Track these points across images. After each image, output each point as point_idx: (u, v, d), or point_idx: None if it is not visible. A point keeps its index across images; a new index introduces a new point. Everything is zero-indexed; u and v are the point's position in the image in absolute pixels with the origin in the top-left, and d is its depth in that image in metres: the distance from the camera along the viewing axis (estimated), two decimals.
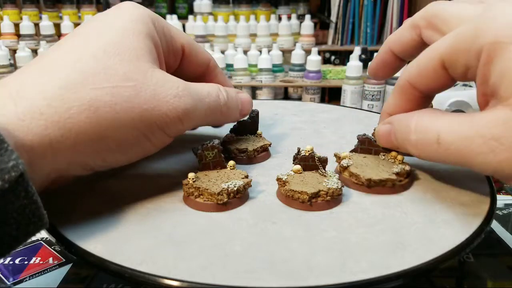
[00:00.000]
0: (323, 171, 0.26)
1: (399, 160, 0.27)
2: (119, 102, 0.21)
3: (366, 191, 0.25)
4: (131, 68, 0.22)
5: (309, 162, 0.26)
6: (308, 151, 0.26)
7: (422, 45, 0.27)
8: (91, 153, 0.22)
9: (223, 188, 0.24)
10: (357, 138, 0.29)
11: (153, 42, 0.24)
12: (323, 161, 0.26)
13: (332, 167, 0.28)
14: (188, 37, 0.29)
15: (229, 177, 0.25)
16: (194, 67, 0.30)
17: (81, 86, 0.20)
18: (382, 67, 0.30)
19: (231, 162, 0.27)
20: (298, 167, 0.26)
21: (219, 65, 0.32)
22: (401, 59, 0.29)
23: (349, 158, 0.27)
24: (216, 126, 0.33)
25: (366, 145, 0.28)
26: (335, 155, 0.28)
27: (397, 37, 0.28)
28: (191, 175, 0.25)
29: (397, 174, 0.26)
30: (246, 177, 0.26)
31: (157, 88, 0.22)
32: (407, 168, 0.26)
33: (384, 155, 0.28)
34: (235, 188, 0.24)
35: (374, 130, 0.28)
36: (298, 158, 0.26)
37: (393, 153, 0.27)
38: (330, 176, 0.26)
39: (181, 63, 0.29)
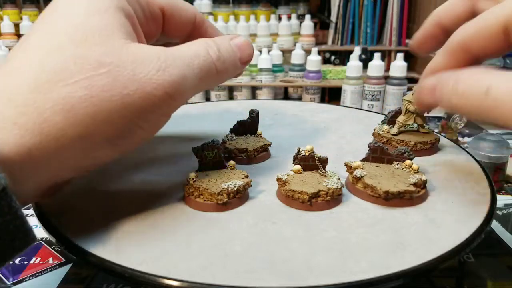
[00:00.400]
0: (323, 171, 0.26)
1: (415, 170, 0.26)
2: (95, 94, 0.19)
3: (383, 204, 0.24)
4: (102, 51, 0.20)
5: (309, 162, 0.26)
6: (308, 151, 0.26)
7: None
8: (78, 154, 0.20)
9: (223, 188, 0.24)
10: (369, 147, 0.28)
11: (124, 14, 0.22)
12: (323, 161, 0.26)
13: (335, 170, 0.28)
14: None
15: (229, 177, 0.25)
16: (179, 28, 0.28)
17: (52, 85, 0.19)
18: (430, 41, 0.28)
19: (231, 162, 0.27)
20: (298, 167, 0.26)
21: None
22: (448, 33, 0.27)
23: (362, 168, 0.26)
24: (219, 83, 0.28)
25: (378, 154, 0.27)
26: (346, 165, 0.27)
27: (449, 9, 0.27)
28: (191, 175, 0.25)
29: (414, 184, 0.25)
30: (246, 177, 0.26)
31: (136, 67, 0.20)
32: (424, 178, 0.25)
33: (397, 164, 0.27)
34: (235, 188, 0.24)
35: (413, 92, 0.27)
36: (298, 158, 0.26)
37: (408, 162, 0.26)
38: (330, 176, 0.26)
39: (164, 28, 0.27)
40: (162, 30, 0.27)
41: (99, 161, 0.22)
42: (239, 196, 0.24)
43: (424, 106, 0.24)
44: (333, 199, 0.24)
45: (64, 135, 0.19)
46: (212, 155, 0.26)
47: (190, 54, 0.23)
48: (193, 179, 0.24)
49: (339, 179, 0.25)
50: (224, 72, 0.24)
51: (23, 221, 0.16)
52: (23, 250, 0.17)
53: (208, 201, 0.24)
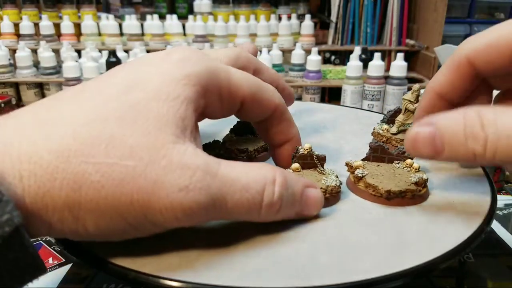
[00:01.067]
0: (322, 169, 0.26)
1: (415, 169, 0.26)
2: (107, 186, 0.17)
3: (384, 204, 0.24)
4: (143, 141, 0.18)
5: (308, 160, 0.26)
6: (306, 149, 0.26)
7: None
8: (68, 226, 0.18)
9: None
10: (369, 146, 0.28)
11: (193, 107, 0.20)
12: (321, 159, 0.26)
13: (336, 171, 0.28)
14: (254, 87, 0.24)
15: None
16: (254, 115, 0.25)
17: (72, 157, 0.17)
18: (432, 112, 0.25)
19: None
20: (296, 165, 0.26)
21: None
22: (448, 101, 0.26)
23: (363, 168, 0.26)
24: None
25: (379, 153, 0.27)
26: (347, 164, 0.27)
27: (441, 79, 0.25)
28: None
29: (415, 183, 0.25)
30: None
31: (163, 175, 0.18)
32: (425, 176, 0.25)
33: (398, 163, 0.27)
34: None
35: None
36: (297, 157, 0.26)
37: (409, 161, 0.26)
38: (329, 174, 0.26)
39: (240, 110, 0.24)
40: (237, 113, 0.25)
41: (82, 238, 0.19)
42: None
43: (422, 158, 0.21)
44: (332, 196, 0.24)
45: (60, 210, 0.17)
46: (213, 155, 0.26)
47: (239, 183, 0.19)
48: None
49: (337, 177, 0.25)
50: (267, 217, 0.21)
51: (35, 257, 0.16)
52: (32, 281, 0.16)
53: None
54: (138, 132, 0.18)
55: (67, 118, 0.18)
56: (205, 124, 0.38)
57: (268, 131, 0.26)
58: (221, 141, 0.31)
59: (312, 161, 0.26)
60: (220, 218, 0.20)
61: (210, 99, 0.22)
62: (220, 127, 0.37)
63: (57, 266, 0.29)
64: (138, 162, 0.17)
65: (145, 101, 0.19)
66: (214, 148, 0.26)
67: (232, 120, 0.33)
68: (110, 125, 0.18)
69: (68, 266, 0.29)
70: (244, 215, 0.20)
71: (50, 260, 0.29)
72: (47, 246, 0.31)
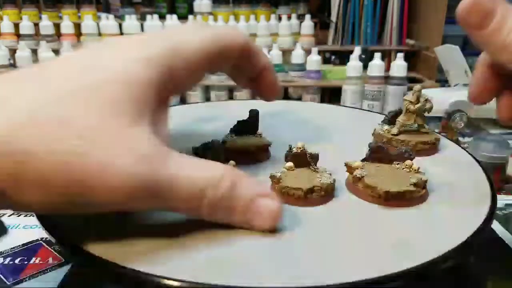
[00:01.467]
0: (315, 167, 0.26)
1: (415, 170, 0.26)
2: (54, 163, 0.17)
3: (383, 204, 0.24)
4: (95, 123, 0.18)
5: (301, 158, 0.26)
6: (300, 148, 0.26)
7: None
8: (12, 199, 0.18)
9: None
10: (369, 147, 0.28)
11: (154, 91, 0.20)
12: (315, 158, 0.26)
13: (336, 174, 0.28)
14: (216, 40, 0.23)
15: None
16: (224, 65, 0.26)
17: (24, 133, 0.17)
18: (486, 87, 0.26)
19: (232, 162, 0.27)
20: (290, 164, 0.26)
21: None
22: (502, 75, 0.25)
23: (362, 168, 0.26)
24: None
25: (379, 154, 0.27)
26: (346, 165, 0.27)
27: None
28: None
29: (414, 184, 0.24)
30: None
31: (109, 158, 0.18)
32: (424, 177, 0.25)
33: (398, 164, 0.27)
34: None
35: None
36: (290, 155, 0.26)
37: (408, 162, 0.26)
38: (322, 171, 0.26)
39: (208, 69, 0.25)
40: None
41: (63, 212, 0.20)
42: None
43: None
44: (327, 194, 0.25)
45: (4, 180, 0.17)
46: (212, 155, 0.26)
47: (183, 179, 0.19)
48: None
49: (330, 174, 0.25)
50: (200, 218, 0.21)
51: None
52: None
53: None
54: (92, 113, 0.18)
55: (24, 95, 0.18)
56: (205, 124, 0.38)
57: (240, 70, 0.27)
58: (221, 141, 0.31)
59: (305, 160, 0.26)
60: (161, 208, 0.20)
61: (178, 76, 0.22)
62: (220, 127, 0.37)
63: (57, 266, 0.29)
64: (87, 143, 0.18)
65: (102, 83, 0.19)
66: (213, 148, 0.26)
67: (232, 120, 0.33)
68: (64, 104, 0.18)
69: (68, 266, 0.29)
70: (184, 209, 0.20)
71: (50, 260, 0.29)
72: (47, 246, 0.31)
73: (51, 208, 0.19)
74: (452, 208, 0.24)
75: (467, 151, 0.32)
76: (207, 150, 0.26)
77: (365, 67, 0.75)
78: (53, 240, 0.21)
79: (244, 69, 0.27)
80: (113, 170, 0.18)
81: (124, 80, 0.19)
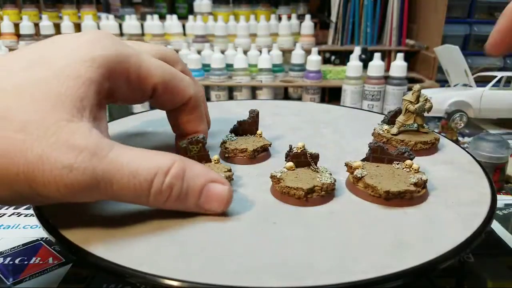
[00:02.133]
0: (315, 167, 0.26)
1: (415, 169, 0.26)
2: (3, 154, 0.18)
3: (383, 204, 0.24)
4: (37, 117, 0.19)
5: (301, 158, 0.26)
6: (300, 148, 0.26)
7: None
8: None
9: None
10: (369, 146, 0.28)
11: (95, 89, 0.21)
12: (315, 157, 0.26)
13: (336, 174, 0.28)
14: (167, 73, 0.25)
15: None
16: (167, 104, 0.27)
17: None
18: (508, 39, 0.26)
19: (215, 156, 0.27)
20: (290, 164, 0.26)
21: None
22: None
23: (362, 168, 0.26)
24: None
25: (379, 154, 0.27)
26: (347, 165, 0.27)
27: None
28: None
29: (414, 184, 0.25)
30: (229, 170, 0.26)
31: (49, 151, 0.18)
32: (424, 177, 0.25)
33: (398, 164, 0.27)
34: None
35: None
36: (290, 155, 0.26)
37: (408, 162, 0.26)
38: (322, 171, 0.26)
39: (153, 97, 0.26)
40: (151, 99, 0.26)
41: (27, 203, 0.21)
42: None
43: None
44: (328, 194, 0.25)
45: None
46: (197, 149, 0.27)
47: (127, 168, 0.20)
48: None
49: (330, 174, 0.25)
50: (150, 206, 0.22)
51: None
52: None
53: None
54: (34, 107, 0.19)
55: None
56: None
57: (178, 120, 0.28)
58: (221, 141, 0.31)
59: (306, 160, 0.26)
60: (107, 198, 0.20)
61: (117, 82, 0.23)
62: (220, 127, 0.37)
63: (57, 266, 0.29)
64: (28, 136, 0.18)
65: (46, 79, 0.20)
66: (197, 143, 0.26)
67: (232, 120, 0.33)
68: (8, 98, 0.19)
69: (68, 266, 0.29)
70: (132, 199, 0.21)
71: (50, 260, 0.29)
72: (47, 246, 0.31)
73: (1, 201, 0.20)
74: (452, 208, 0.24)
75: (467, 151, 0.32)
76: (192, 145, 0.27)
77: (365, 67, 0.74)
78: (53, 240, 0.21)
79: (181, 125, 0.28)
80: (53, 164, 0.18)
81: (66, 77, 0.20)
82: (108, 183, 0.19)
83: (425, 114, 0.33)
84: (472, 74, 0.66)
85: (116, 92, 0.23)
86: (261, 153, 0.31)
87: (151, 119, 0.39)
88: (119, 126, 0.37)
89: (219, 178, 0.23)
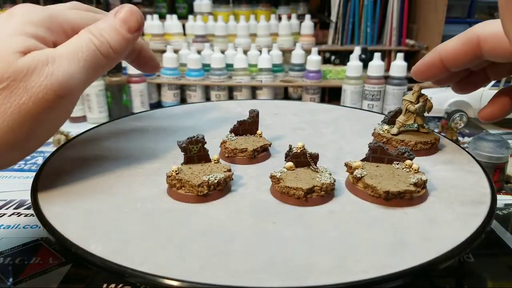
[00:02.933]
0: (315, 167, 0.26)
1: (415, 170, 0.26)
2: None
3: (383, 204, 0.24)
4: (2, 66, 0.22)
5: (301, 158, 0.26)
6: (300, 148, 0.26)
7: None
8: None
9: (204, 180, 0.24)
10: (369, 147, 0.28)
11: (39, 39, 0.24)
12: (315, 157, 0.26)
13: (336, 174, 0.28)
14: (88, 17, 0.27)
15: (212, 170, 0.26)
16: None
17: None
18: (429, 69, 0.29)
19: (215, 156, 0.27)
20: (290, 164, 0.26)
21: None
22: (446, 67, 0.29)
23: (362, 168, 0.26)
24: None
25: (379, 154, 0.27)
26: (346, 165, 0.27)
27: (449, 45, 0.28)
28: (174, 167, 0.25)
29: (414, 184, 0.25)
30: (229, 170, 0.26)
31: (28, 77, 0.22)
32: (424, 177, 0.25)
33: (398, 164, 0.27)
34: (216, 181, 0.25)
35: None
36: (290, 155, 0.26)
37: (408, 162, 0.26)
38: (322, 171, 0.26)
39: None
40: None
41: (12, 163, 0.24)
42: (220, 189, 0.25)
43: None
44: (327, 193, 0.25)
45: None
46: (196, 149, 0.27)
47: (72, 49, 0.24)
48: (176, 171, 0.25)
49: (330, 174, 0.25)
50: (114, 53, 0.26)
51: None
52: None
53: (190, 192, 0.25)
54: None
55: None
56: (205, 124, 0.38)
57: None
58: (221, 141, 0.31)
59: (306, 159, 0.26)
60: (84, 80, 0.24)
61: (58, 36, 0.25)
62: (220, 127, 0.37)
63: (57, 266, 0.29)
64: (8, 81, 0.22)
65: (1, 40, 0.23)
66: (197, 142, 0.27)
67: (232, 120, 0.33)
68: None
69: (68, 266, 0.29)
70: (96, 64, 0.25)
71: (50, 260, 0.29)
72: (47, 246, 0.31)
73: (22, 139, 0.23)
74: (452, 208, 0.24)
75: (467, 151, 0.32)
76: (192, 144, 0.27)
77: (365, 67, 0.74)
78: (53, 240, 0.21)
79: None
80: (38, 84, 0.22)
81: (14, 34, 0.23)
82: (73, 66, 0.24)
83: (426, 114, 0.33)
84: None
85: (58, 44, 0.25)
86: (261, 153, 0.31)
87: (151, 119, 0.39)
88: (119, 126, 0.37)
89: (115, 9, 0.27)
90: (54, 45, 0.25)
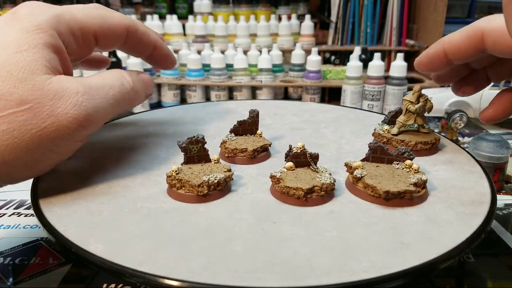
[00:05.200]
0: (315, 167, 0.26)
1: (415, 170, 0.26)
2: (16, 128, 0.21)
3: (383, 204, 0.24)
4: (26, 88, 0.22)
5: (301, 158, 0.26)
6: (300, 148, 0.26)
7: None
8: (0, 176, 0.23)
9: (204, 180, 0.24)
10: (369, 147, 0.28)
11: (52, 49, 0.24)
12: (315, 158, 0.26)
13: (336, 174, 0.28)
14: (98, 17, 0.27)
15: (212, 170, 0.26)
16: (112, 44, 0.29)
17: None
18: (432, 61, 0.29)
19: (215, 156, 0.27)
20: (290, 164, 0.26)
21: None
22: (449, 59, 0.29)
23: (362, 168, 0.26)
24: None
25: (379, 154, 0.27)
26: (346, 165, 0.27)
27: (453, 38, 0.28)
28: (174, 167, 0.25)
29: (414, 184, 0.25)
30: (229, 170, 0.26)
31: (55, 103, 0.22)
32: (424, 177, 0.25)
33: (398, 164, 0.27)
34: (216, 181, 0.25)
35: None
36: (290, 155, 0.26)
37: (408, 162, 0.26)
38: (322, 171, 0.26)
39: (98, 45, 0.28)
40: (97, 46, 0.29)
41: (22, 179, 0.24)
42: (220, 189, 0.25)
43: None
44: (327, 194, 0.25)
45: None
46: (196, 149, 0.27)
47: (106, 86, 0.25)
48: (176, 171, 0.25)
49: (330, 174, 0.25)
50: (134, 101, 0.28)
51: None
52: None
53: (190, 192, 0.25)
54: (18, 83, 0.22)
55: None
56: (205, 124, 0.38)
57: (134, 49, 0.31)
58: (221, 141, 0.31)
59: (306, 160, 0.26)
60: (107, 115, 0.25)
61: (66, 40, 0.25)
62: (220, 127, 0.37)
63: (57, 266, 0.29)
64: (32, 103, 0.22)
65: (11, 56, 0.22)
66: (197, 142, 0.27)
67: (232, 120, 0.33)
68: None
69: (68, 266, 0.29)
70: (122, 104, 0.27)
71: (50, 260, 0.29)
72: (47, 246, 0.31)
73: (34, 164, 0.24)
74: (452, 208, 0.24)
75: (467, 151, 0.32)
76: (192, 144, 0.27)
77: (365, 67, 0.74)
78: (53, 240, 0.21)
79: (138, 48, 0.31)
80: (66, 107, 0.23)
81: (27, 48, 0.23)
82: (102, 102, 0.25)
83: (426, 114, 0.33)
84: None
85: (68, 49, 0.26)
86: (261, 153, 0.31)
87: (151, 119, 0.39)
88: (119, 126, 0.37)
89: (138, 71, 0.29)
90: (65, 47, 0.25)
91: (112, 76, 0.26)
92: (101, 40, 0.28)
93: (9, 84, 0.21)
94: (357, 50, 0.78)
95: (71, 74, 0.26)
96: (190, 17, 1.06)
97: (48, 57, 0.23)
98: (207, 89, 0.81)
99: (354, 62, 0.73)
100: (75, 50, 0.27)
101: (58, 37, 0.24)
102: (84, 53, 0.28)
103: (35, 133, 0.22)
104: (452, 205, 0.24)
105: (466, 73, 0.31)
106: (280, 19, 1.01)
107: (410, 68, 0.86)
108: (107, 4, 1.32)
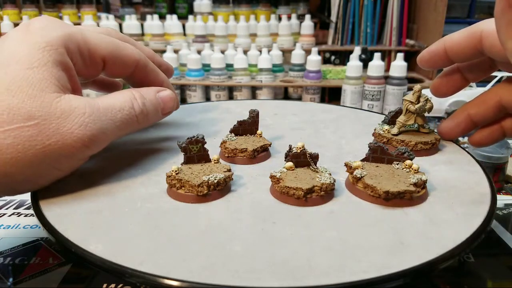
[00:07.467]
0: (315, 167, 0.26)
1: (415, 170, 0.26)
2: (21, 142, 0.22)
3: (382, 204, 0.24)
4: (34, 104, 0.22)
5: (301, 158, 0.26)
6: (300, 148, 0.26)
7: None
8: (1, 187, 0.23)
9: (204, 180, 0.24)
10: (369, 147, 0.27)
11: (62, 67, 0.24)
12: (315, 157, 0.26)
13: (336, 174, 0.28)
14: (111, 45, 0.28)
15: (211, 170, 0.26)
16: (118, 73, 0.29)
17: None
18: (433, 58, 0.30)
19: (215, 156, 0.27)
20: (290, 164, 0.26)
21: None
22: (449, 58, 0.30)
23: (362, 168, 0.26)
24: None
25: (378, 154, 0.27)
26: (346, 165, 0.27)
27: (455, 37, 0.29)
28: (174, 167, 0.25)
29: (414, 184, 0.25)
30: (229, 170, 0.26)
31: (61, 122, 0.23)
32: (424, 177, 0.25)
33: (398, 164, 0.27)
34: (215, 181, 0.25)
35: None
36: (290, 155, 0.26)
37: (408, 162, 0.26)
38: (322, 171, 0.26)
39: (105, 71, 0.28)
40: (104, 71, 0.29)
41: (22, 192, 0.25)
42: (220, 189, 0.25)
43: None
44: (327, 194, 0.25)
45: None
46: (196, 149, 0.27)
47: (115, 108, 0.26)
48: (176, 171, 0.25)
49: (330, 174, 0.25)
50: (144, 122, 0.28)
51: None
52: None
53: (189, 192, 0.25)
54: (27, 99, 0.22)
55: None
56: (205, 124, 0.38)
57: (140, 84, 0.31)
58: (221, 141, 0.31)
59: (306, 160, 0.26)
60: (113, 137, 0.26)
61: (74, 58, 0.26)
62: (220, 127, 0.37)
63: (57, 266, 0.29)
64: (38, 119, 0.22)
65: (22, 71, 0.23)
66: (197, 142, 0.27)
67: (232, 120, 0.33)
68: (2, 99, 0.22)
69: (68, 266, 0.29)
70: (129, 127, 0.27)
71: (50, 260, 0.29)
72: (47, 246, 0.31)
73: (37, 179, 0.24)
74: (452, 208, 0.24)
75: (467, 151, 0.32)
76: (192, 144, 0.27)
77: (365, 67, 0.75)
78: (53, 240, 0.21)
79: (144, 84, 0.31)
80: (72, 127, 0.23)
81: (37, 64, 0.23)
82: (109, 124, 0.25)
83: (426, 114, 0.33)
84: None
85: (75, 66, 0.26)
86: (261, 153, 0.31)
87: None
88: None
89: (162, 88, 0.30)
90: (73, 65, 0.25)
91: (122, 97, 0.26)
92: (109, 66, 0.28)
93: (18, 99, 0.22)
94: (357, 50, 0.78)
95: (79, 92, 0.26)
96: (190, 17, 1.07)
97: (57, 75, 0.24)
98: (207, 89, 0.81)
99: (354, 62, 0.73)
100: (82, 70, 0.27)
101: (67, 55, 0.25)
102: (91, 73, 0.28)
103: (39, 149, 0.22)
104: (452, 205, 0.24)
105: (465, 86, 0.32)
106: (280, 19, 1.01)
107: (410, 68, 0.86)
108: (108, 4, 1.32)
